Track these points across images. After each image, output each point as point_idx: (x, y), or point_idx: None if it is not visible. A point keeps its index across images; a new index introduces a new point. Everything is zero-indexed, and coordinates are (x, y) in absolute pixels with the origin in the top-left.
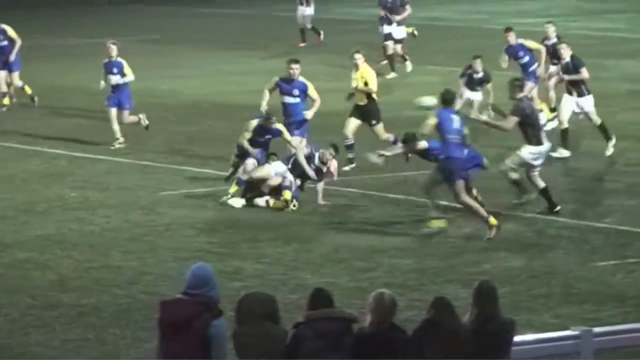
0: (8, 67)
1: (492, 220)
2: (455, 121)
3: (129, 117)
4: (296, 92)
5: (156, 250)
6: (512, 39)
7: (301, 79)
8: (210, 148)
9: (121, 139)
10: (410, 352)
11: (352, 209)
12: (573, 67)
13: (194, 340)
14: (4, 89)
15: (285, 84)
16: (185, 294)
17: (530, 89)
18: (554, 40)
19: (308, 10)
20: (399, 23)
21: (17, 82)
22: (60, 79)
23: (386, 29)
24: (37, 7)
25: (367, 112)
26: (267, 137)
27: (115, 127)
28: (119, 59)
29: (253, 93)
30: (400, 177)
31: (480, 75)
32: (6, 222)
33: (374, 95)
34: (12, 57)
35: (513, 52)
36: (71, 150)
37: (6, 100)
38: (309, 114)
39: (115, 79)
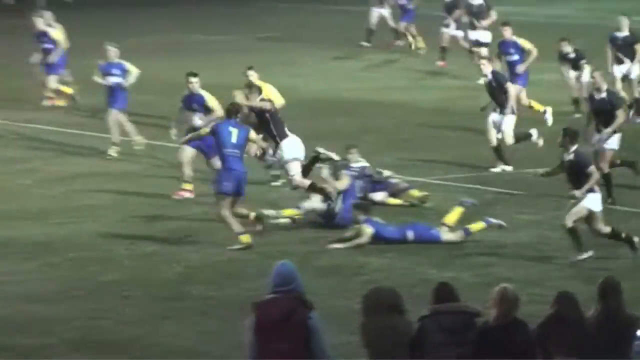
0: (50, 69)
1: (244, 238)
2: (234, 135)
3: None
4: (195, 105)
5: (288, 244)
6: (508, 34)
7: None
8: (329, 143)
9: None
10: (533, 346)
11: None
12: None
13: (295, 335)
14: (64, 89)
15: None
16: (275, 292)
17: (519, 90)
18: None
19: (385, 12)
20: (485, 28)
21: (52, 84)
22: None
23: (472, 34)
24: (163, 4)
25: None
26: None
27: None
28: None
29: (370, 90)
30: (521, 175)
31: (572, 55)
32: (134, 217)
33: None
34: (54, 59)
35: (504, 47)
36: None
37: (61, 102)
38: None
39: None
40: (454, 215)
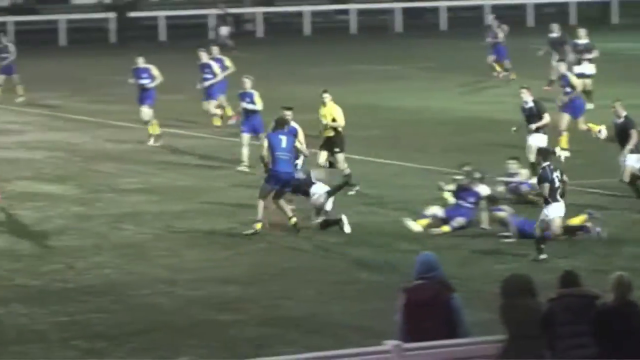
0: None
1: (258, 225)
2: (283, 141)
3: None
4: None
5: (436, 238)
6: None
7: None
8: (477, 155)
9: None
10: None
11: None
12: None
13: (440, 314)
14: (215, 111)
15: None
16: (421, 278)
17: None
18: None
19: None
20: (590, 61)
21: (211, 108)
22: (357, 98)
23: (577, 69)
24: (354, 39)
25: (334, 142)
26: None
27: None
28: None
29: (511, 111)
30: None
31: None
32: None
33: (340, 129)
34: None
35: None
36: (366, 156)
37: (217, 121)
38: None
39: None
40: (576, 220)
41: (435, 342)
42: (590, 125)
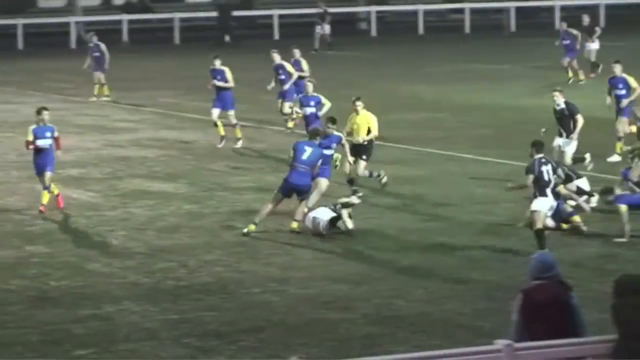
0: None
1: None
2: (307, 153)
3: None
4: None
5: (549, 237)
6: (618, 71)
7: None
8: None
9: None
10: None
11: None
12: None
13: (560, 313)
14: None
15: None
16: (539, 278)
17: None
18: None
19: (593, 45)
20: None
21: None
22: (472, 97)
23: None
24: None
25: (364, 150)
26: None
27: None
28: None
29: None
30: None
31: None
32: (429, 212)
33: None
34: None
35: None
36: (477, 155)
37: (290, 124)
38: None
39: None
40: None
41: (546, 342)
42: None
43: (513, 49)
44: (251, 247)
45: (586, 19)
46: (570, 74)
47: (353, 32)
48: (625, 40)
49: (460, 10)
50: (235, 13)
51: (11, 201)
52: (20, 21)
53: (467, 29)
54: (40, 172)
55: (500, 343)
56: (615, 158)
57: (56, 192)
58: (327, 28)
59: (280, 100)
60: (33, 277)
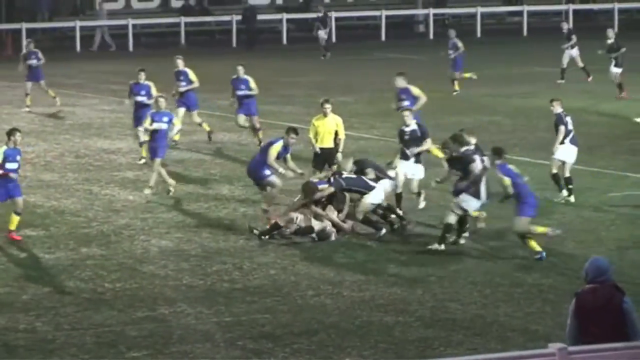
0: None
1: None
2: None
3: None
4: None
5: (603, 241)
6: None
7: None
8: None
9: None
10: None
11: None
12: None
13: (613, 317)
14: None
15: None
16: (593, 282)
17: None
18: None
19: (574, 52)
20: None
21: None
22: (529, 100)
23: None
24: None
25: (332, 154)
26: None
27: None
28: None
29: None
30: None
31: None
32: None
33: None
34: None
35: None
36: (535, 158)
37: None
38: None
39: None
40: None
41: (600, 345)
42: None
43: (530, 50)
44: (305, 249)
45: (565, 26)
46: (457, 86)
47: (410, 35)
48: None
49: (519, 13)
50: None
51: (67, 203)
52: (78, 24)
53: (525, 31)
54: (4, 199)
55: (553, 347)
56: None
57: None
58: (326, 32)
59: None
60: (88, 279)
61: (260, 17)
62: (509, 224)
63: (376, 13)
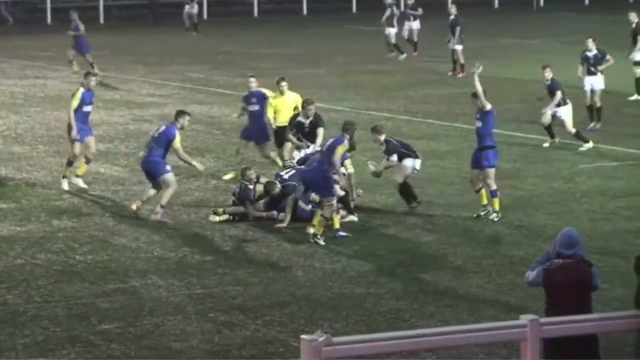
0: None
1: None
2: None
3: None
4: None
5: (574, 212)
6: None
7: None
8: (624, 129)
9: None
10: None
11: None
12: None
13: (583, 291)
14: None
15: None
16: (559, 255)
17: None
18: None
19: (414, 25)
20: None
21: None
22: (500, 71)
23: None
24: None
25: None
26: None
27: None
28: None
29: None
30: None
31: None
32: (454, 187)
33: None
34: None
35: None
36: (506, 130)
37: None
38: None
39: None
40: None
41: (572, 317)
42: None
43: (543, 23)
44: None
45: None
46: (76, 67)
47: (382, 7)
48: None
49: None
50: None
51: (38, 176)
52: None
53: (497, 4)
54: None
55: (525, 318)
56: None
57: None
58: (195, 8)
59: None
60: (59, 251)
61: None
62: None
63: None
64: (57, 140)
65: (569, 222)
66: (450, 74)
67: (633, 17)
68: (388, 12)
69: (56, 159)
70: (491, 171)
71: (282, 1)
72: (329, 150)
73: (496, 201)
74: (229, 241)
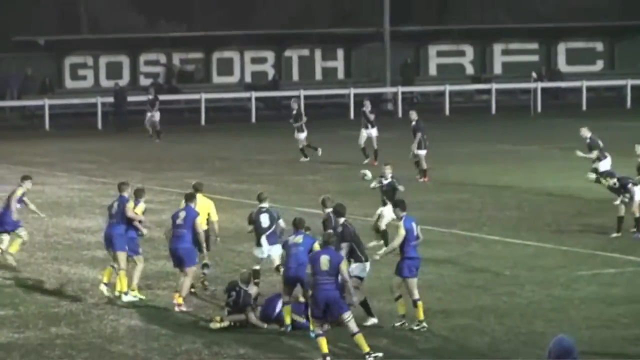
0: None
1: None
2: None
3: None
4: None
5: (572, 320)
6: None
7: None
8: (622, 236)
9: None
10: None
11: None
12: None
13: None
14: None
15: None
16: None
17: None
18: None
19: (374, 132)
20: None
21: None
22: (498, 178)
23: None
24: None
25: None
26: None
27: None
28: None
29: None
30: None
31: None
32: (452, 294)
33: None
34: None
35: None
36: (503, 237)
37: None
38: None
39: None
40: None
41: None
42: None
43: (540, 129)
44: (275, 336)
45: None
46: None
47: (379, 113)
48: None
49: (487, 91)
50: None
51: (36, 282)
52: (47, 102)
53: (494, 109)
54: None
55: None
56: None
57: None
58: (157, 115)
59: None
60: (57, 358)
61: (230, 95)
62: (479, 300)
63: (344, 91)
64: (55, 247)
65: (567, 330)
66: (419, 179)
67: (584, 132)
68: (305, 119)
69: (54, 266)
70: (413, 281)
71: (280, 107)
72: (334, 269)
73: (420, 310)
74: (227, 347)
